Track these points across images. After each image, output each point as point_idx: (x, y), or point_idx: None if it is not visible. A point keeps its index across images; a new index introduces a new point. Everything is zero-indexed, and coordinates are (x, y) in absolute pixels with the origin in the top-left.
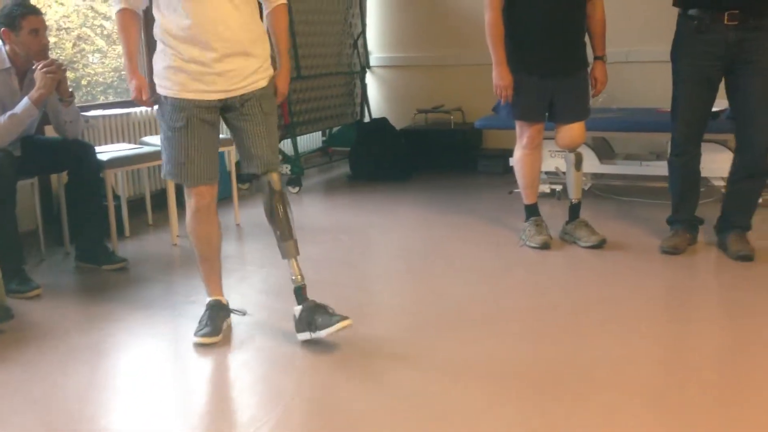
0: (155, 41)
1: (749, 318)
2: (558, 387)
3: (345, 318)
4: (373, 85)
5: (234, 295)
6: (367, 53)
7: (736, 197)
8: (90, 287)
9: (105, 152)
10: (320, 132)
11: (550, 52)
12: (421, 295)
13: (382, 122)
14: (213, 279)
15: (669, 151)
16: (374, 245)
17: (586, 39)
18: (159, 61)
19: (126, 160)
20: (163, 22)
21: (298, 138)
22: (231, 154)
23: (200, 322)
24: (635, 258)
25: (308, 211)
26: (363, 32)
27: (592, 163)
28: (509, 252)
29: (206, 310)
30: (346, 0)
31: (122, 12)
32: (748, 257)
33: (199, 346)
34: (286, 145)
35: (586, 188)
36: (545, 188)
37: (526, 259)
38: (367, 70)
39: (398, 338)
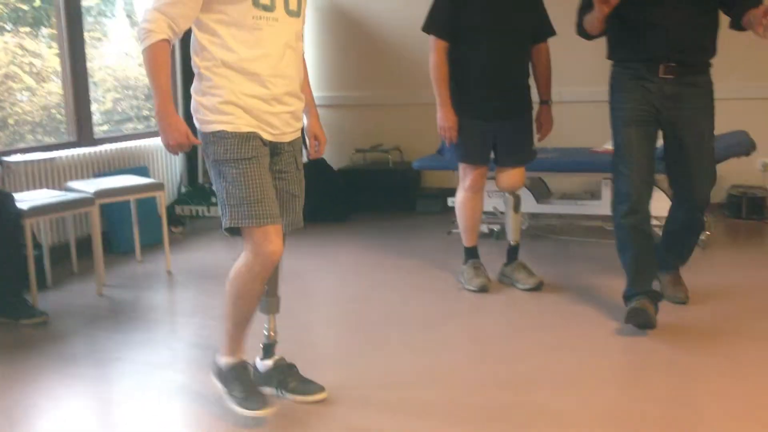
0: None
1: (691, 365)
2: None
3: (322, 390)
4: None
5: (163, 350)
6: None
7: (672, 242)
8: (6, 345)
9: (25, 200)
10: None
11: (494, 95)
12: (359, 345)
13: (319, 162)
14: (242, 337)
15: (614, 212)
16: (310, 291)
17: (531, 82)
18: (207, 95)
19: (48, 208)
20: (217, 51)
21: None
22: (162, 197)
23: (234, 389)
24: (573, 300)
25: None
26: None
27: (529, 204)
28: (448, 296)
29: (233, 371)
30: None
31: (160, 44)
32: (682, 302)
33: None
34: None
35: (524, 227)
36: (483, 228)
37: (465, 304)
38: None
39: (334, 393)
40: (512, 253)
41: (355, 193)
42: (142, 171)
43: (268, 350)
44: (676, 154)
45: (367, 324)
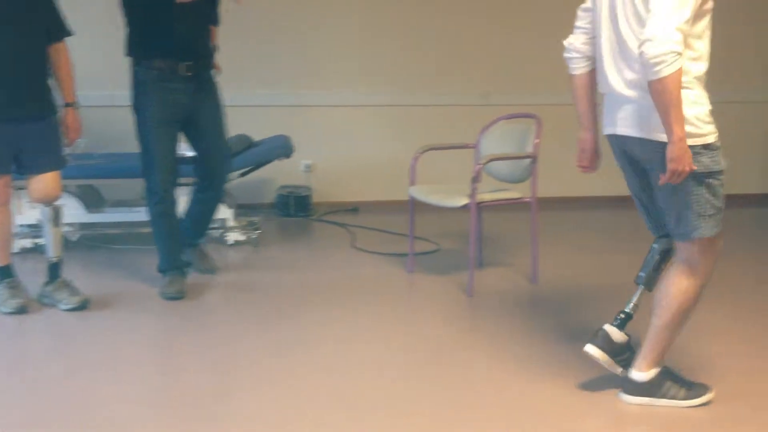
0: None
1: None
2: None
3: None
4: None
5: None
6: None
7: (196, 220)
8: None
9: None
10: None
11: (9, 95)
12: None
13: None
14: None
15: (148, 205)
16: None
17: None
18: (697, 105)
19: None
20: (691, 64)
21: None
22: None
23: (671, 389)
24: (125, 312)
25: None
26: None
27: (78, 213)
28: None
29: (662, 375)
30: None
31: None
32: (211, 271)
33: None
34: None
35: (75, 239)
36: (28, 243)
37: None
38: None
39: None
40: (53, 270)
41: None
42: None
43: (627, 322)
44: (200, 140)
45: None
